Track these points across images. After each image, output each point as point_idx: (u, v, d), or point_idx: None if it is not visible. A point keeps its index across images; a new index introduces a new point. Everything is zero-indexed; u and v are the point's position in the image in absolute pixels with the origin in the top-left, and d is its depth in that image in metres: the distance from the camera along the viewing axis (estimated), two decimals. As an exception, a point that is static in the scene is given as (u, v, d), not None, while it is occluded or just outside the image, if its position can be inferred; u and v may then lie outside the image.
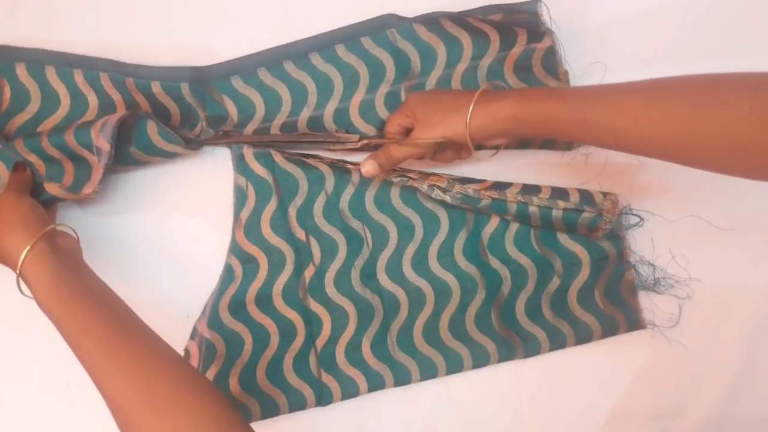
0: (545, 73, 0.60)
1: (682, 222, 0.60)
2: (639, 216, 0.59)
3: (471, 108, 0.49)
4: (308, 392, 0.58)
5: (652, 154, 0.44)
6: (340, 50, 0.59)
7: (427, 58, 0.59)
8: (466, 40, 0.58)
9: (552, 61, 0.60)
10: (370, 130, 0.60)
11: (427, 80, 0.59)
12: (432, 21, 0.58)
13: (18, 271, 0.48)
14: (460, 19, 0.59)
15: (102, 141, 0.52)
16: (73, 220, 0.61)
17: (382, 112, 0.59)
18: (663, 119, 0.42)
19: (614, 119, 0.44)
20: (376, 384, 0.58)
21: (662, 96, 0.42)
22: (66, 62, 0.57)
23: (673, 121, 0.41)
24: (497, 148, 0.55)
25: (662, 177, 0.61)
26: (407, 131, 0.55)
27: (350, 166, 0.60)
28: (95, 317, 0.46)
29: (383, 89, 0.59)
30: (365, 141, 0.57)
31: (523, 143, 0.61)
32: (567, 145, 0.61)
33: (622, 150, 0.46)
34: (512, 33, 0.59)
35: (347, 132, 0.59)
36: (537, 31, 0.59)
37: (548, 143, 0.61)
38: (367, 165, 0.55)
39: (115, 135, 0.52)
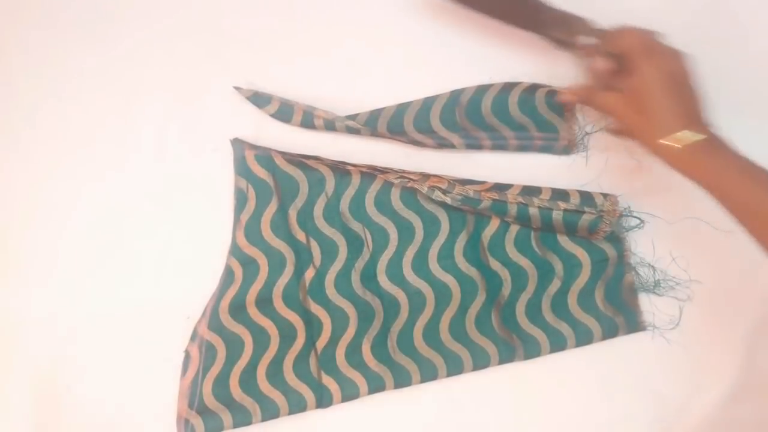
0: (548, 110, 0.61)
1: (683, 224, 0.60)
2: (639, 218, 0.59)
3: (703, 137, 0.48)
4: (308, 394, 0.58)
5: None
6: None
7: None
8: None
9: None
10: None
11: None
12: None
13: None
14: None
15: None
16: (74, 221, 0.62)
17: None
18: None
19: None
20: (376, 386, 0.58)
21: None
22: None
23: None
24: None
25: (663, 179, 0.61)
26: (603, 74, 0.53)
27: (350, 168, 0.60)
28: None
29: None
30: None
31: (521, 147, 0.61)
32: (566, 150, 0.61)
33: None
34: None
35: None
36: None
37: (547, 147, 0.61)
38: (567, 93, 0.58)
39: None
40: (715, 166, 0.48)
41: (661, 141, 0.49)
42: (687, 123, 0.49)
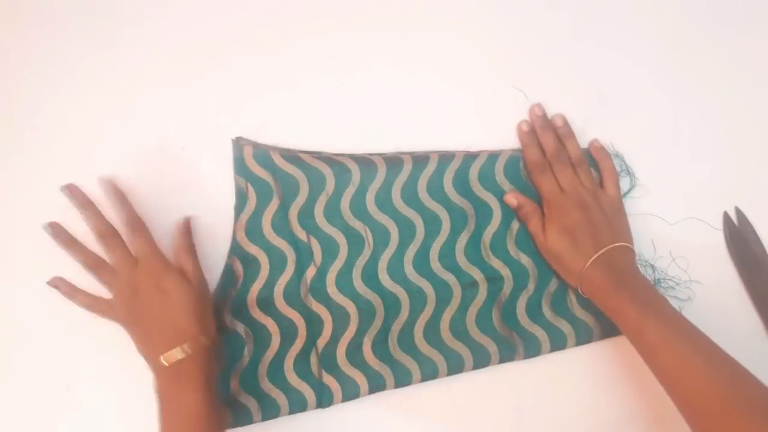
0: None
1: (683, 224, 0.60)
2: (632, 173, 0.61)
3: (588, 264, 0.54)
4: (309, 393, 0.58)
5: (667, 387, 0.50)
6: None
7: None
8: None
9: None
10: None
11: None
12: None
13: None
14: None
15: None
16: (73, 220, 0.62)
17: None
18: (692, 376, 0.48)
19: (659, 346, 0.49)
20: (377, 384, 0.58)
21: (703, 360, 0.48)
22: None
23: (697, 381, 0.47)
24: None
25: (663, 180, 0.61)
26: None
27: (350, 166, 0.60)
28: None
29: None
30: None
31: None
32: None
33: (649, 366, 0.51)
34: None
35: None
36: None
37: None
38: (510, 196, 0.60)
39: None
40: None
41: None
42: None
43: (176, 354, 0.50)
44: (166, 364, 0.50)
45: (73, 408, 0.59)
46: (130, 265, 0.54)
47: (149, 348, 0.52)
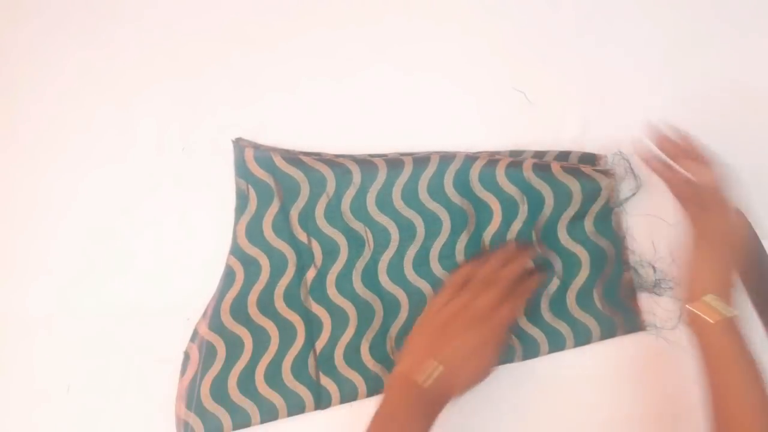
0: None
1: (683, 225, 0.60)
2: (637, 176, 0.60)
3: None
4: (306, 395, 0.58)
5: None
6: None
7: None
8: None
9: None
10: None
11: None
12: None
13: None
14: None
15: None
16: (74, 222, 0.62)
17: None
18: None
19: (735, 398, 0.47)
20: (375, 386, 0.58)
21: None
22: None
23: None
24: None
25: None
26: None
27: (351, 168, 0.60)
28: None
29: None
30: None
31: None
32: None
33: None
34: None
35: None
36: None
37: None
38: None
39: None
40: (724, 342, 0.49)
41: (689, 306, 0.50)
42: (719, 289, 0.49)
43: None
44: None
45: (73, 408, 0.59)
46: None
47: None
